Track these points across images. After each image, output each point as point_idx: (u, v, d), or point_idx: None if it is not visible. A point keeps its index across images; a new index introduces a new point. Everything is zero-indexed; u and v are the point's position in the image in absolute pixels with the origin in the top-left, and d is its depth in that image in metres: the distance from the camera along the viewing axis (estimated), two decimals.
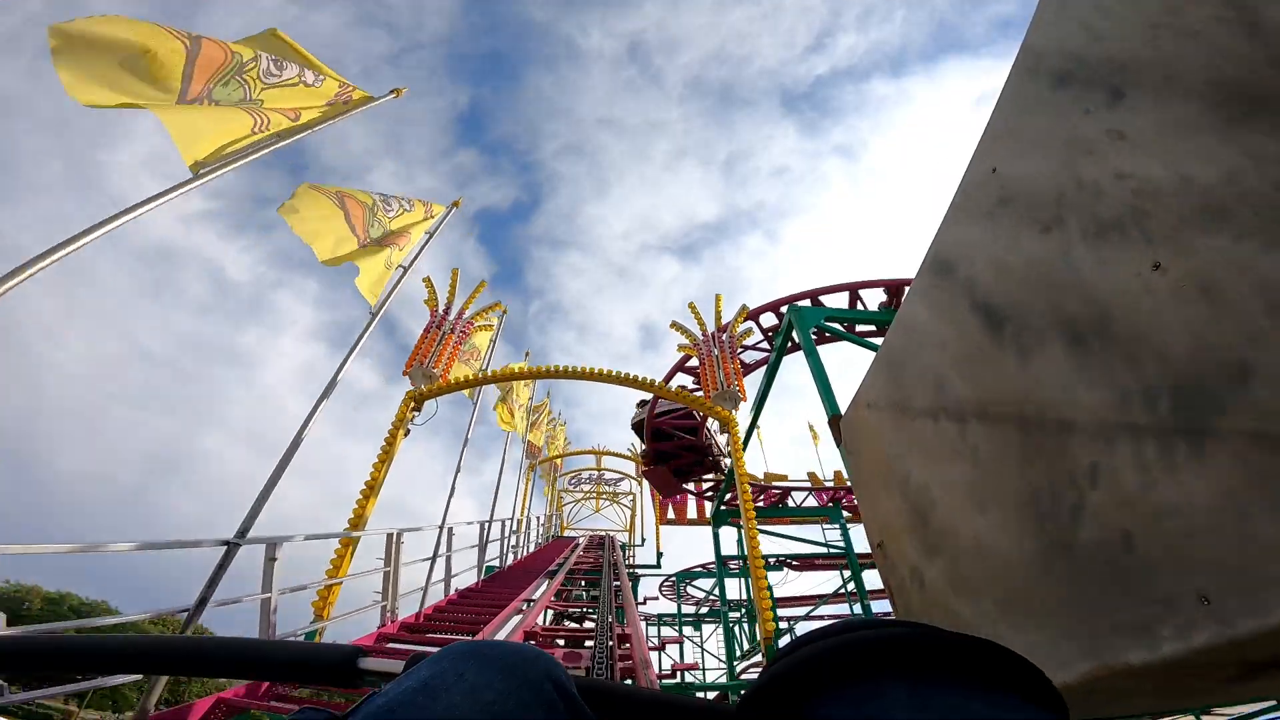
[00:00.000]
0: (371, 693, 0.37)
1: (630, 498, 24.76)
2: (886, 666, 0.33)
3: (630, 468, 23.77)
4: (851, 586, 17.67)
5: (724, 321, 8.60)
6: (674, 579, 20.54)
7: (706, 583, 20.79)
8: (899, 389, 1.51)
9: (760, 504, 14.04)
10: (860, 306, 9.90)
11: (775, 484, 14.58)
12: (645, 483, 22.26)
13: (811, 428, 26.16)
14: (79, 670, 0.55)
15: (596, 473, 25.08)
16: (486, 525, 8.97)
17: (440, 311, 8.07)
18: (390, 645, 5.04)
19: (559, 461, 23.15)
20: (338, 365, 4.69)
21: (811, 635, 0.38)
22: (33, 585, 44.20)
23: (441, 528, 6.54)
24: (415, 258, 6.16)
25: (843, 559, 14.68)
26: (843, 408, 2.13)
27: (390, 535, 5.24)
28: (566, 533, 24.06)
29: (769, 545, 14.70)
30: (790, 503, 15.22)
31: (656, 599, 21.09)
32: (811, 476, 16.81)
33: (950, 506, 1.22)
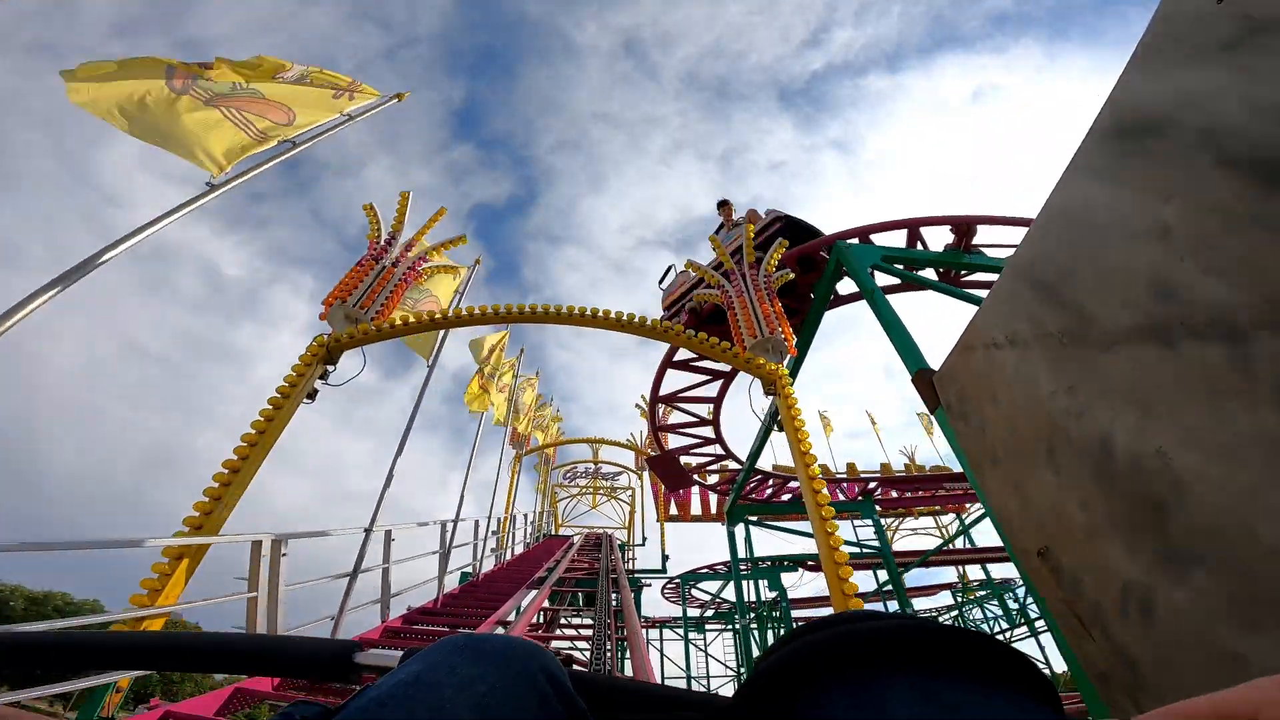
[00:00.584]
0: (365, 686, 0.36)
1: (629, 492, 22.83)
2: (884, 659, 0.32)
3: (630, 459, 21.81)
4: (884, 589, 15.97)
5: (755, 259, 6.65)
6: (679, 581, 18.71)
7: (710, 584, 19.08)
8: (1061, 310, 1.08)
9: (785, 499, 12.14)
10: (920, 248, 7.96)
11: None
12: (645, 476, 20.37)
13: (823, 416, 24.27)
14: (70, 666, 0.54)
15: (593, 466, 23.14)
16: (452, 526, 7.01)
17: (381, 242, 6.07)
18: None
19: (551, 453, 21.20)
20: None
21: (806, 628, 0.37)
22: (16, 585, 42.89)
23: (369, 531, 4.57)
24: (318, 136, 4.19)
25: (875, 558, 12.89)
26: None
27: (258, 543, 3.28)
28: (562, 530, 22.21)
29: (795, 544, 12.84)
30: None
31: (668, 624, 19.20)
32: (823, 469, 15.12)
33: (1228, 485, 0.76)
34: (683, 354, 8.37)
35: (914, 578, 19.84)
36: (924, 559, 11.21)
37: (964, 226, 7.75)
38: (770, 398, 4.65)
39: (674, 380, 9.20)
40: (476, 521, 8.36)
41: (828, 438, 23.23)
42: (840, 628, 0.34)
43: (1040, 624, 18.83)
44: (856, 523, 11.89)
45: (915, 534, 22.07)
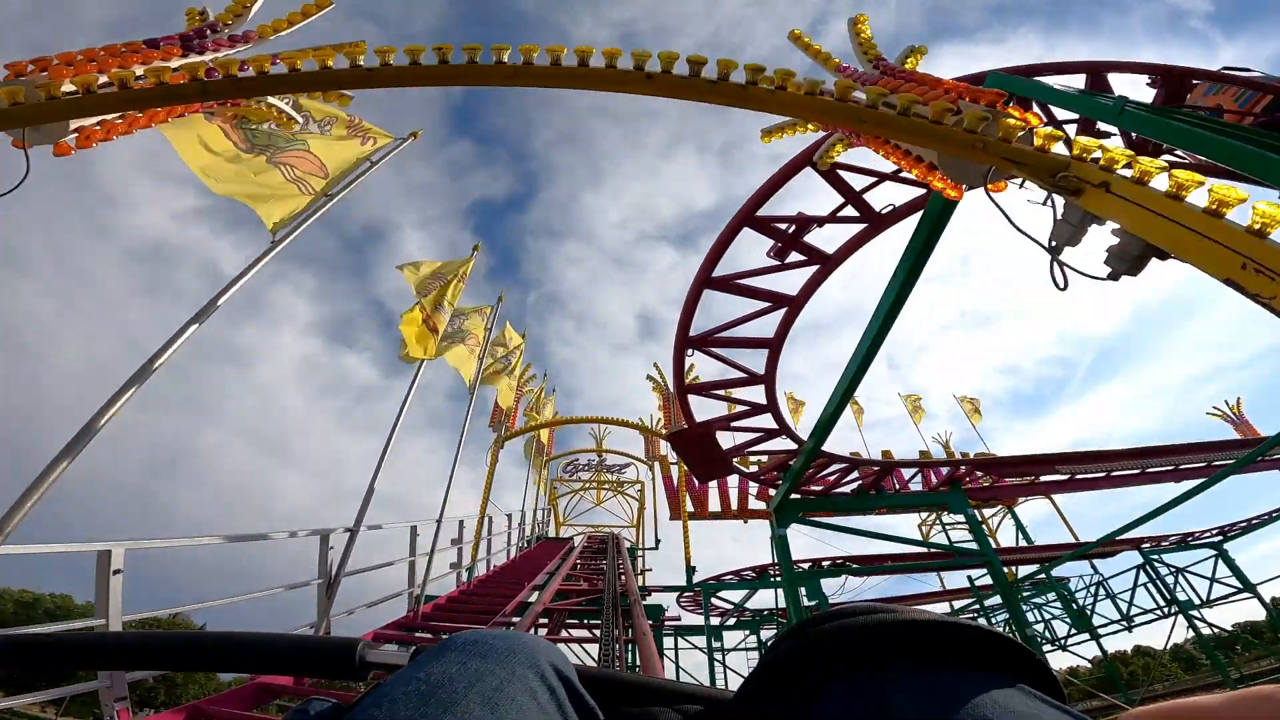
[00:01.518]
0: (378, 683, 0.36)
1: (638, 487, 19.96)
2: (885, 652, 0.32)
3: (639, 447, 18.87)
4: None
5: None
6: (698, 589, 15.97)
7: (728, 591, 16.44)
8: None
9: (846, 491, 9.29)
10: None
11: (877, 460, 9.72)
12: (657, 468, 17.51)
13: (909, 400, 21.23)
14: (74, 666, 0.52)
15: (596, 456, 20.29)
16: (345, 537, 4.17)
17: (203, 23, 3.19)
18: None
19: (548, 443, 18.35)
20: None
21: (809, 621, 0.36)
22: (4, 588, 41.88)
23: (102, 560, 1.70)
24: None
25: (979, 560, 10.07)
26: None
27: None
28: (563, 531, 19.43)
29: (856, 544, 9.99)
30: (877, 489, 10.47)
31: (685, 633, 16.46)
32: (855, 456, 12.40)
33: None
34: (726, 267, 5.48)
35: (954, 578, 17.06)
36: (1081, 552, 8.29)
37: (1176, 79, 4.74)
38: (1055, 203, 1.78)
39: (698, 327, 6.29)
40: (414, 528, 5.52)
41: (859, 425, 19.91)
42: (842, 621, 0.34)
43: (1104, 630, 16.02)
44: (945, 518, 9.05)
45: (956, 528, 19.21)
